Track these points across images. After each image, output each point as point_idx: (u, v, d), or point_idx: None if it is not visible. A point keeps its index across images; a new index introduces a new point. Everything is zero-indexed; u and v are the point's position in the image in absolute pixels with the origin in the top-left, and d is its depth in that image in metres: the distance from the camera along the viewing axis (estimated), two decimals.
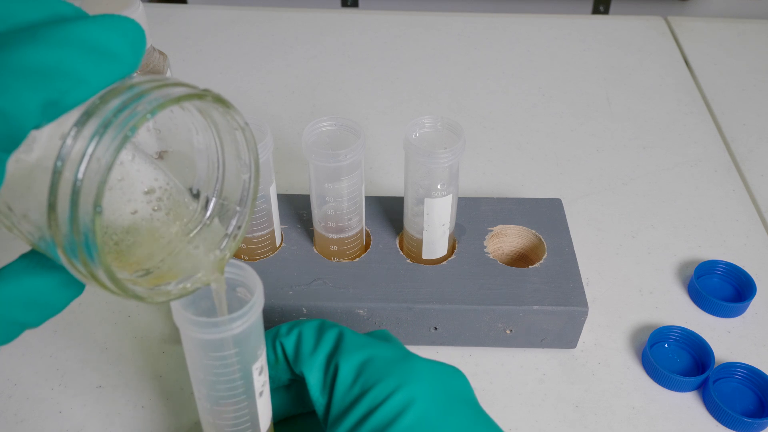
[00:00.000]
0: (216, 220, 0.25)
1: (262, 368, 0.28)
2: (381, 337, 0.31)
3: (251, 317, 0.26)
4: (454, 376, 0.29)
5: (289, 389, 0.33)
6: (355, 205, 0.38)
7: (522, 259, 0.43)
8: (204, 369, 0.27)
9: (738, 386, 0.38)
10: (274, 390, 0.32)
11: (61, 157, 0.19)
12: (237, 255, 0.40)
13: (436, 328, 0.39)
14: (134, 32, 0.20)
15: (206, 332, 0.25)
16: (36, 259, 0.22)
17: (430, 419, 0.27)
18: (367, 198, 0.43)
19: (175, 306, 0.25)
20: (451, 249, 0.40)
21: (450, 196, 0.37)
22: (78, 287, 0.22)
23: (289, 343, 0.30)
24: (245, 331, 0.26)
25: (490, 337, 0.39)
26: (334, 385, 0.29)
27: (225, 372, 0.27)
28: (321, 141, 0.37)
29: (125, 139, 0.19)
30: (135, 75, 0.21)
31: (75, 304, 0.42)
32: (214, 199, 0.25)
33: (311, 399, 0.30)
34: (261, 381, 0.28)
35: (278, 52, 0.64)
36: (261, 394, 0.29)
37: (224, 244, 0.25)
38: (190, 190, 0.25)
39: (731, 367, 0.38)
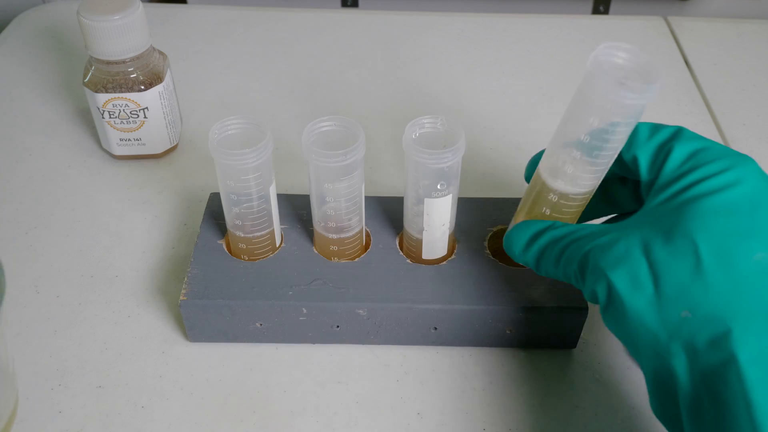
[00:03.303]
0: None
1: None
2: None
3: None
4: None
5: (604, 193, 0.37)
6: (355, 205, 0.38)
7: None
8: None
9: None
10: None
11: None
12: (237, 255, 0.40)
13: (436, 328, 0.39)
14: None
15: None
16: None
17: (756, 198, 0.28)
18: (367, 198, 0.43)
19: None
20: (451, 249, 0.40)
21: (450, 196, 0.37)
22: None
23: None
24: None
25: (490, 337, 0.39)
26: (664, 164, 0.31)
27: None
28: (321, 141, 0.37)
29: None
30: None
31: (75, 303, 0.42)
32: None
33: (640, 178, 0.32)
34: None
35: (278, 52, 0.64)
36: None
37: None
38: None
39: None
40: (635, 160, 0.32)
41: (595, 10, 0.76)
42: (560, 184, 0.34)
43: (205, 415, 0.36)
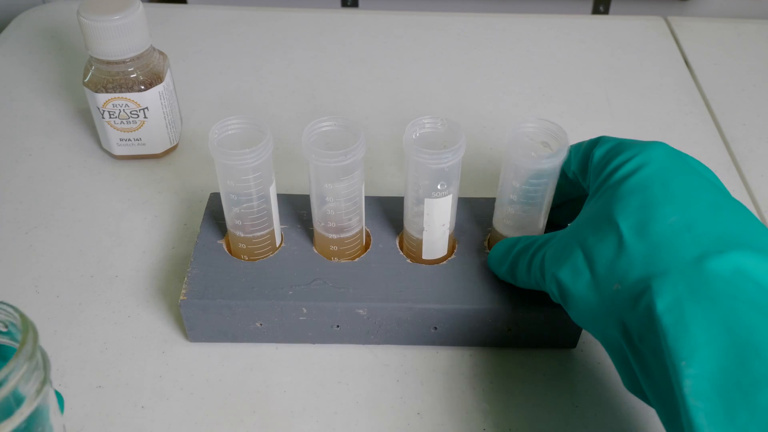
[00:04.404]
0: None
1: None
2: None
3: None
4: (696, 162, 0.33)
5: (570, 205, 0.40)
6: (355, 205, 0.38)
7: None
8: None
9: None
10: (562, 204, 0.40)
11: None
12: (237, 255, 0.40)
13: (436, 328, 0.39)
14: None
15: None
16: None
17: (666, 173, 0.31)
18: (367, 198, 0.43)
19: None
20: (451, 249, 0.40)
21: (450, 196, 0.37)
22: None
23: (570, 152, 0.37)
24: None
25: (490, 337, 0.39)
26: (589, 168, 0.35)
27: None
28: (321, 141, 0.37)
29: None
30: None
31: (75, 303, 0.42)
32: None
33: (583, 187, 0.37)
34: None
35: (278, 52, 0.64)
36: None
37: None
38: None
39: None
40: (575, 175, 0.37)
41: (595, 10, 0.76)
42: (510, 232, 0.39)
43: (205, 415, 0.36)
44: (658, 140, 0.33)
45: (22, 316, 0.27)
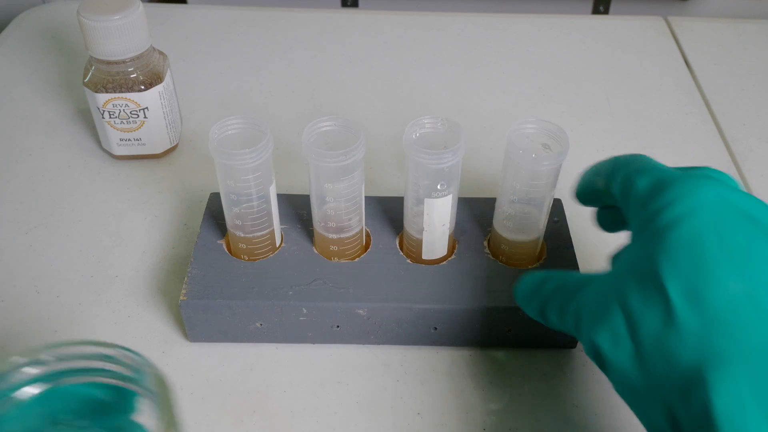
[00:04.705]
0: None
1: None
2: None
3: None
4: (755, 204, 0.28)
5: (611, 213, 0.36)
6: (355, 205, 0.38)
7: None
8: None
9: None
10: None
11: None
12: (237, 255, 0.40)
13: (436, 328, 0.39)
14: None
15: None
16: None
17: (721, 222, 0.27)
18: (367, 198, 0.43)
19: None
20: (451, 249, 0.40)
21: (450, 196, 0.37)
22: None
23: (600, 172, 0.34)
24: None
25: (490, 337, 0.39)
26: (630, 194, 0.30)
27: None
28: (321, 141, 0.37)
29: None
30: None
31: (75, 303, 0.42)
32: None
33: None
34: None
35: (278, 52, 0.64)
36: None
37: None
38: None
39: None
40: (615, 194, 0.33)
41: (595, 10, 0.76)
42: (510, 233, 0.39)
43: (205, 415, 0.36)
44: (704, 165, 0.30)
45: (159, 379, 0.25)
